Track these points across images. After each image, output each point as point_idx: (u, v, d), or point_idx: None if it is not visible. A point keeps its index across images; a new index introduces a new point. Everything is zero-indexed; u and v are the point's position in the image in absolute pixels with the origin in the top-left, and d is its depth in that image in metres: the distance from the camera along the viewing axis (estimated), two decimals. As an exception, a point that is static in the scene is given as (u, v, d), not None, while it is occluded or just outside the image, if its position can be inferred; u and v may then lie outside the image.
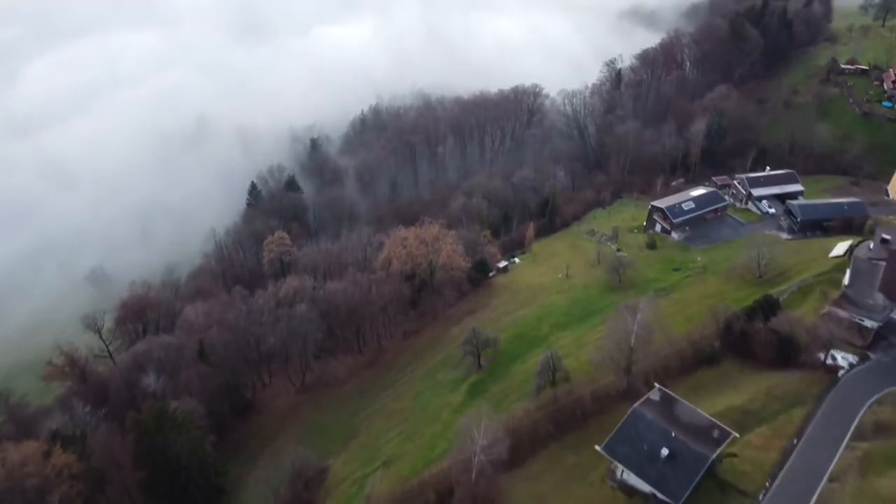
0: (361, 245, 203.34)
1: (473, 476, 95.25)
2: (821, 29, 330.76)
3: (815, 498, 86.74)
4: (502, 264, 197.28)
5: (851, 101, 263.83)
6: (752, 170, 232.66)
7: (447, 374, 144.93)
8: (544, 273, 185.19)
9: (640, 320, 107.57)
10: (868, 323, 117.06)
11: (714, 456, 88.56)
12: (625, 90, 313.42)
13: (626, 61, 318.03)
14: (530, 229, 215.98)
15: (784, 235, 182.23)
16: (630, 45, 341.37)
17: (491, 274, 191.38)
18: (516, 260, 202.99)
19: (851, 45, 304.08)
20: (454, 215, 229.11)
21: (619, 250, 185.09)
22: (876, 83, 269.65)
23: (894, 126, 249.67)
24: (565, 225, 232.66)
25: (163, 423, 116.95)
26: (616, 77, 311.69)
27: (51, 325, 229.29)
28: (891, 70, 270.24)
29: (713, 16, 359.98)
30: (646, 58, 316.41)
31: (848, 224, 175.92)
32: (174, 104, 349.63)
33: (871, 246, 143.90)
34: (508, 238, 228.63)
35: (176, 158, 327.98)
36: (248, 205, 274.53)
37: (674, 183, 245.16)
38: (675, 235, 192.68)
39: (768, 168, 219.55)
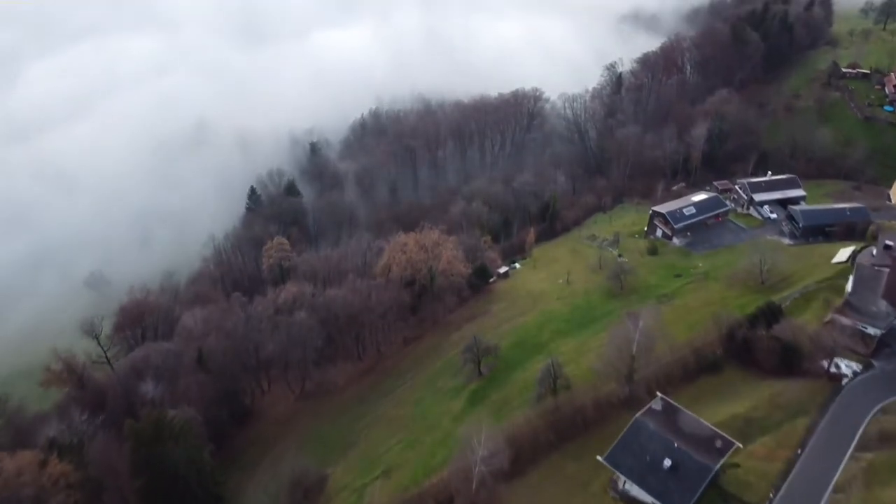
0: (361, 251, 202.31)
1: (474, 486, 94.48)
2: (822, 33, 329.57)
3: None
4: (503, 270, 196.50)
5: (853, 105, 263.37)
6: (754, 174, 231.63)
7: (447, 381, 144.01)
8: (545, 279, 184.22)
9: (641, 328, 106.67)
10: (871, 330, 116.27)
11: (717, 467, 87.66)
12: (625, 94, 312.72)
13: (626, 65, 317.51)
14: (531, 234, 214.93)
15: (786, 241, 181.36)
16: (631, 48, 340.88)
17: (491, 280, 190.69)
18: (517, 265, 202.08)
19: (852, 49, 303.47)
20: (454, 220, 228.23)
21: (620, 256, 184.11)
22: (877, 87, 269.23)
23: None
24: (566, 230, 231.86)
25: (160, 431, 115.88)
26: (617, 81, 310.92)
27: (49, 329, 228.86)
28: (892, 74, 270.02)
29: (714, 19, 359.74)
30: (646, 62, 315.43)
31: (850, 229, 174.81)
32: (174, 108, 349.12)
33: (874, 252, 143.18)
34: (509, 243, 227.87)
35: (175, 162, 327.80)
36: (248, 209, 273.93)
37: (675, 188, 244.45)
38: (676, 241, 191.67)
39: (770, 173, 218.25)
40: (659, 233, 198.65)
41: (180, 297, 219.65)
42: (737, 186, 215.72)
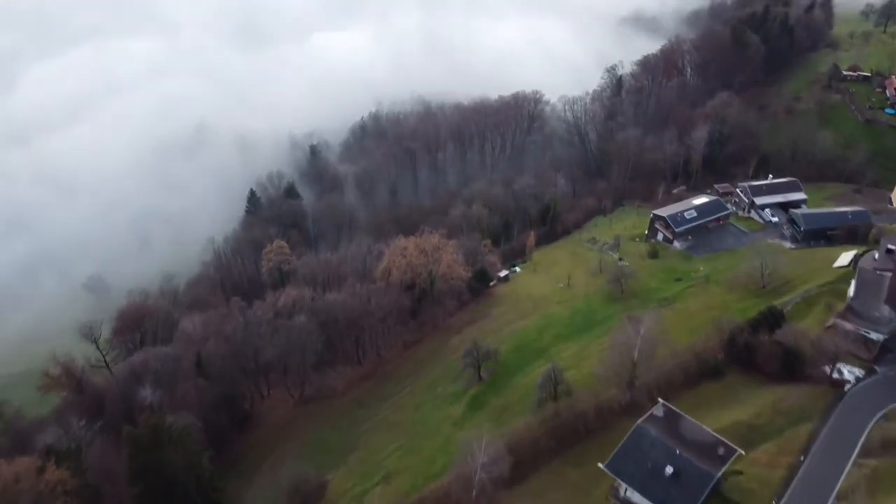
0: (361, 255, 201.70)
1: (474, 494, 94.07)
2: (822, 35, 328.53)
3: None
4: (503, 273, 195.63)
5: (854, 108, 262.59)
6: (754, 177, 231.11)
7: (447, 386, 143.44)
8: (545, 282, 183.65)
9: (643, 333, 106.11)
10: (874, 335, 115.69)
11: (719, 474, 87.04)
12: (626, 97, 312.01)
13: (626, 68, 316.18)
14: (531, 237, 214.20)
15: (787, 244, 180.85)
16: (631, 51, 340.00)
17: (491, 283, 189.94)
18: (517, 269, 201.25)
19: (853, 52, 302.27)
20: (454, 223, 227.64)
21: (620, 259, 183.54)
22: (878, 90, 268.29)
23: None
24: (566, 233, 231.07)
25: (159, 438, 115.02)
26: (617, 83, 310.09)
27: (48, 334, 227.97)
28: (893, 77, 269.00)
29: (714, 22, 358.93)
30: (646, 64, 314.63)
31: (852, 233, 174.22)
32: (173, 110, 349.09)
33: (876, 256, 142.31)
34: (509, 246, 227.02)
35: (175, 165, 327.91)
36: (247, 212, 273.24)
37: (675, 190, 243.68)
38: (677, 244, 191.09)
39: (771, 176, 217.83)
40: (660, 236, 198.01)
41: (179, 300, 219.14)
42: (738, 190, 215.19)
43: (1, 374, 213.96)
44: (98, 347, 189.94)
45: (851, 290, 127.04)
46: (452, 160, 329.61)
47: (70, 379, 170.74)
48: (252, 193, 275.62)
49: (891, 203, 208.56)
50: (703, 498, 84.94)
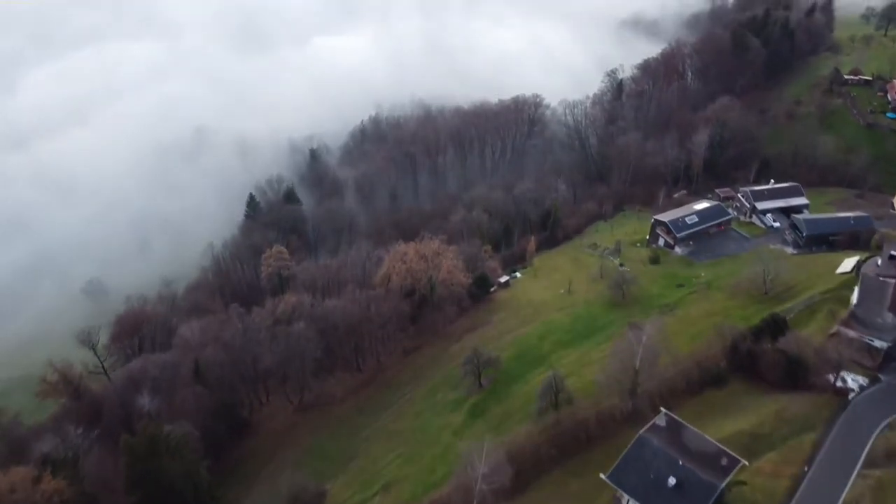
0: (361, 260, 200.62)
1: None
2: (823, 39, 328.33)
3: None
4: (503, 279, 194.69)
5: (855, 112, 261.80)
6: (755, 181, 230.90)
7: (447, 393, 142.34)
8: (546, 288, 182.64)
9: (644, 341, 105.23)
10: (878, 343, 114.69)
11: (723, 485, 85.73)
12: (626, 101, 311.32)
13: (627, 71, 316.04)
14: (531, 243, 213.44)
15: (789, 250, 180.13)
16: (631, 54, 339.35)
17: (492, 289, 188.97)
18: (517, 274, 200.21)
19: (854, 56, 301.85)
20: (454, 228, 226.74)
21: (621, 265, 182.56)
22: (879, 94, 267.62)
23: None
24: (567, 238, 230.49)
25: (156, 446, 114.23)
26: (617, 87, 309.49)
27: (47, 339, 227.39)
28: (894, 81, 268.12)
29: (714, 25, 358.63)
30: (647, 68, 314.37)
31: (854, 239, 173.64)
32: (173, 114, 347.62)
33: (879, 262, 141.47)
34: (509, 252, 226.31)
35: (174, 170, 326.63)
36: (247, 216, 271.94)
37: (676, 195, 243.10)
38: (678, 250, 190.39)
39: (772, 181, 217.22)
40: (661, 241, 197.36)
41: (178, 306, 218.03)
42: (739, 194, 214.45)
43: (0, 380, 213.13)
44: (96, 353, 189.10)
45: (854, 297, 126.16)
46: (452, 164, 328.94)
47: (68, 385, 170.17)
48: (251, 198, 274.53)
49: (893, 208, 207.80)
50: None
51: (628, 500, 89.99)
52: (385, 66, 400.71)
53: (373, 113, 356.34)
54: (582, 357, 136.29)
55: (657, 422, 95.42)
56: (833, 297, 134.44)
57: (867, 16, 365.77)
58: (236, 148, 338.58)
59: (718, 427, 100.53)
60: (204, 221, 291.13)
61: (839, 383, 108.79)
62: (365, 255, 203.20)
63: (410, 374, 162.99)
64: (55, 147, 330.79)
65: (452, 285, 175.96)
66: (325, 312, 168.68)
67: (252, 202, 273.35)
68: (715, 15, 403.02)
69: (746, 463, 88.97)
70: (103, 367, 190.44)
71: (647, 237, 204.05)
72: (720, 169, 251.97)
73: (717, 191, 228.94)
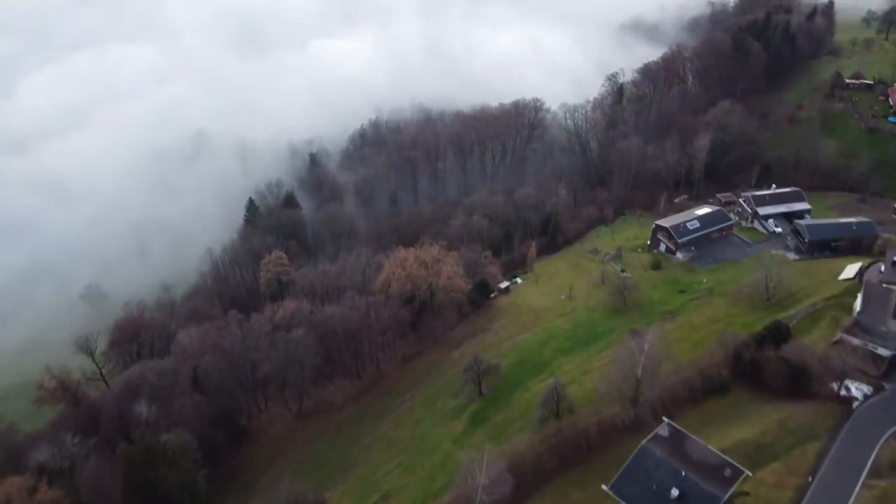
0: (360, 266, 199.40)
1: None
2: (824, 42, 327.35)
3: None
4: (504, 285, 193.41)
5: (856, 116, 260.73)
6: (757, 186, 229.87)
7: (447, 401, 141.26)
8: (547, 294, 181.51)
9: (646, 350, 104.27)
10: (882, 351, 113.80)
11: (726, 497, 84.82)
12: (627, 105, 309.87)
13: (627, 75, 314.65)
14: (532, 248, 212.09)
15: (791, 256, 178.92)
16: (631, 58, 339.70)
17: (492, 295, 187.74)
18: (518, 280, 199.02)
19: (855, 59, 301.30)
20: (455, 234, 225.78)
21: (623, 271, 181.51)
22: (881, 98, 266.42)
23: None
24: (567, 243, 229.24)
25: (154, 456, 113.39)
26: (618, 91, 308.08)
27: (45, 344, 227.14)
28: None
29: (715, 29, 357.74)
30: (647, 72, 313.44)
31: (857, 244, 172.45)
32: (172, 118, 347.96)
33: (882, 269, 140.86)
34: (510, 257, 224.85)
35: (173, 174, 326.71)
36: (246, 221, 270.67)
37: (677, 199, 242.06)
38: (679, 255, 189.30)
39: (774, 186, 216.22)
40: (662, 247, 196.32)
41: (177, 312, 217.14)
42: (741, 199, 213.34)
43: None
44: (94, 360, 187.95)
45: (858, 304, 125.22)
46: (452, 169, 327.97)
47: (65, 392, 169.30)
48: (251, 202, 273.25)
49: (895, 213, 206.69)
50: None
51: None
52: (385, 70, 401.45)
53: (373, 117, 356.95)
54: (583, 364, 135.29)
55: (659, 432, 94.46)
56: (836, 304, 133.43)
57: (868, 19, 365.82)
58: (236, 152, 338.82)
59: (721, 436, 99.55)
60: (203, 226, 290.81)
61: (843, 392, 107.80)
62: (364, 261, 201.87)
63: (410, 382, 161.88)
64: (54, 151, 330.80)
65: (453, 291, 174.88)
66: (324, 319, 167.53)
67: (251, 207, 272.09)
68: (715, 18, 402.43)
69: (750, 474, 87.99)
70: (101, 373, 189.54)
71: (649, 242, 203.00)
72: (721, 173, 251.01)
73: (718, 195, 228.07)
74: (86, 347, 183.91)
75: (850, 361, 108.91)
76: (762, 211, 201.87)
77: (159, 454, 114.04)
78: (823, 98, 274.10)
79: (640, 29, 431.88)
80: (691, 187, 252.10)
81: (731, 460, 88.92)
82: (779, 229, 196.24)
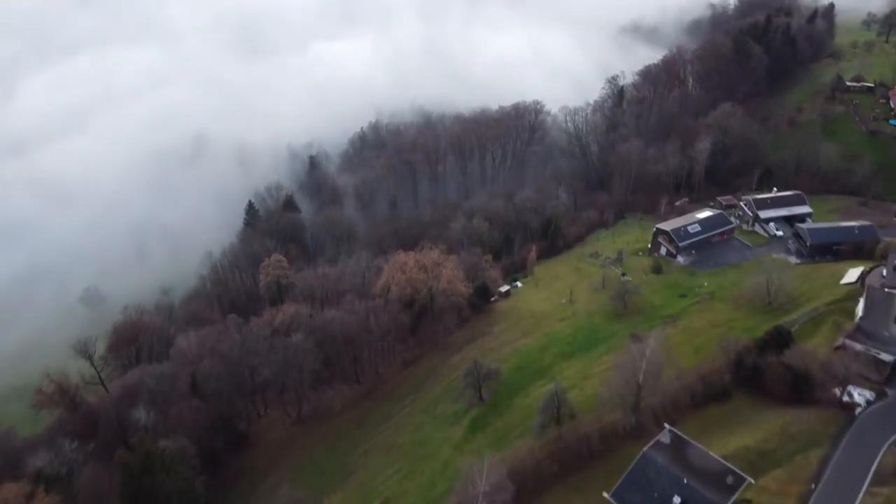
0: (360, 270, 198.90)
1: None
2: (824, 45, 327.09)
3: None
4: (504, 289, 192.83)
5: (857, 119, 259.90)
6: (758, 189, 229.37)
7: (447, 406, 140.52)
8: (547, 298, 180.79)
9: (648, 356, 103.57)
10: (885, 356, 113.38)
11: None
12: (627, 107, 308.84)
13: (627, 78, 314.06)
14: (532, 252, 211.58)
15: (793, 259, 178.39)
16: (632, 61, 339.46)
17: (492, 299, 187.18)
18: (518, 284, 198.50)
19: (855, 62, 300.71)
20: (455, 237, 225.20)
21: (623, 275, 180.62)
22: (882, 101, 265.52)
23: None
24: (568, 247, 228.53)
25: (151, 463, 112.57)
26: (618, 94, 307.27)
27: (44, 347, 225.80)
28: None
29: (715, 32, 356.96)
30: (648, 74, 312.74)
31: (858, 248, 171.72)
32: (172, 121, 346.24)
33: (884, 273, 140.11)
34: (510, 261, 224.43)
35: (173, 177, 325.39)
36: (246, 224, 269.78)
37: (678, 203, 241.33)
38: (680, 259, 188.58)
39: (775, 189, 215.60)
40: (663, 250, 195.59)
41: (176, 316, 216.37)
42: (742, 203, 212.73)
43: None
44: (93, 364, 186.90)
45: (860, 309, 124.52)
46: (452, 172, 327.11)
47: (63, 396, 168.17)
48: (250, 205, 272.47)
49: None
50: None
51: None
52: (385, 73, 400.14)
53: (372, 120, 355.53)
54: (584, 369, 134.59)
55: (661, 439, 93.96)
56: (838, 309, 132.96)
57: (868, 22, 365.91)
58: (235, 154, 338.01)
59: (723, 443, 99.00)
60: (202, 229, 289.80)
61: (846, 398, 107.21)
62: (364, 265, 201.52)
63: (410, 386, 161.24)
64: (53, 154, 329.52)
65: (452, 295, 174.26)
66: (323, 323, 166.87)
67: (251, 209, 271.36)
68: (715, 21, 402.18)
69: (752, 481, 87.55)
70: (100, 377, 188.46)
71: (649, 246, 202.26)
72: (722, 176, 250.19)
73: (719, 198, 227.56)
74: (84, 352, 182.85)
75: (852, 367, 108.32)
76: (763, 214, 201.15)
77: (157, 461, 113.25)
78: (824, 101, 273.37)
79: (641, 31, 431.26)
80: (692, 190, 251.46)
81: (733, 467, 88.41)
82: (780, 233, 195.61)
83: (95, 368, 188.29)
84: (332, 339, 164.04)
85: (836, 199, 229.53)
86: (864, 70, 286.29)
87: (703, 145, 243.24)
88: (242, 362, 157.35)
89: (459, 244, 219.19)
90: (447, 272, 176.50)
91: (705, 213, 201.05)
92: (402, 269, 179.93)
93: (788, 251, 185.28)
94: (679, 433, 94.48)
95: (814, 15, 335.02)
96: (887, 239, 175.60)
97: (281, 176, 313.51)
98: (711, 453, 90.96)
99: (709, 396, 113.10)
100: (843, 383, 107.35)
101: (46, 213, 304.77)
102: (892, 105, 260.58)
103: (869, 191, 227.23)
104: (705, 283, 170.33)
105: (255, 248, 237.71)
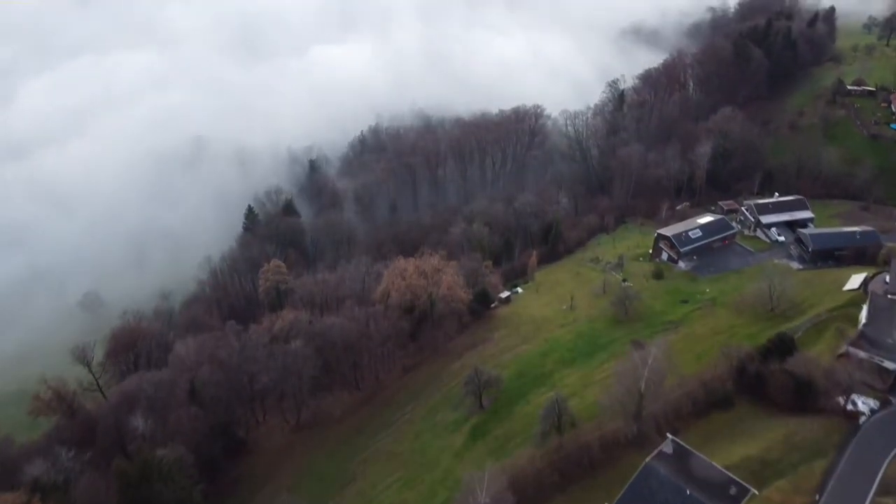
0: (360, 276, 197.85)
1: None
2: (825, 49, 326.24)
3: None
4: (504, 294, 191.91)
5: (858, 123, 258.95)
6: (759, 193, 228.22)
7: (447, 413, 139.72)
8: (548, 304, 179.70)
9: (650, 364, 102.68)
10: (889, 364, 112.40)
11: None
12: (627, 111, 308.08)
13: (628, 81, 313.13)
14: (533, 257, 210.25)
15: (795, 265, 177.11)
16: (632, 64, 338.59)
17: (493, 305, 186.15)
18: (519, 290, 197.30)
19: (856, 66, 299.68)
20: (455, 242, 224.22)
21: (624, 280, 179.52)
22: (883, 105, 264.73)
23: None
24: (568, 252, 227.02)
25: (149, 472, 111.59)
26: (619, 98, 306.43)
27: (42, 352, 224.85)
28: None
29: (715, 35, 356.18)
30: (648, 78, 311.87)
31: (861, 254, 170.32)
32: (171, 125, 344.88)
33: (888, 279, 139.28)
34: (510, 266, 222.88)
35: (172, 180, 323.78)
36: (245, 229, 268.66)
37: (679, 207, 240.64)
38: (682, 265, 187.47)
39: (777, 194, 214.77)
40: (664, 256, 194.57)
41: (174, 321, 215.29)
42: (743, 208, 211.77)
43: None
44: (91, 371, 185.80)
45: (863, 316, 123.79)
46: (453, 176, 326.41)
47: (61, 403, 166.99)
48: (250, 210, 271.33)
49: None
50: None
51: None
52: (385, 76, 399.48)
53: (372, 123, 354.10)
54: (585, 377, 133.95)
55: (664, 449, 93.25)
56: (841, 315, 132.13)
57: (869, 25, 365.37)
58: (235, 158, 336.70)
59: (726, 453, 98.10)
60: (202, 233, 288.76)
61: (849, 406, 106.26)
62: (364, 270, 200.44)
63: (410, 393, 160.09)
64: (52, 158, 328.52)
65: (453, 301, 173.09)
66: (323, 329, 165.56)
67: (250, 214, 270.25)
68: (716, 25, 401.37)
69: (756, 492, 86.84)
70: (98, 384, 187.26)
71: (650, 251, 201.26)
72: (723, 181, 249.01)
73: (720, 203, 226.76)
74: (82, 358, 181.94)
75: (856, 375, 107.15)
76: (765, 219, 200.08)
77: (155, 470, 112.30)
78: (825, 105, 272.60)
79: (641, 35, 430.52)
80: (693, 195, 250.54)
81: (736, 478, 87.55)
82: (782, 238, 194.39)
83: (93, 375, 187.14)
84: (331, 346, 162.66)
85: (837, 204, 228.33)
86: (865, 74, 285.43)
87: (704, 149, 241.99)
88: (241, 369, 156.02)
89: (459, 249, 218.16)
90: (447, 278, 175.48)
91: (706, 218, 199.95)
92: (401, 275, 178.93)
93: (790, 257, 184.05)
94: (682, 443, 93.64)
95: (814, 18, 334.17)
96: (890, 244, 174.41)
97: (280, 179, 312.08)
98: (714, 464, 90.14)
99: (711, 404, 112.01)
100: (847, 392, 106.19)
101: (46, 216, 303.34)
102: (893, 109, 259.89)
103: (870, 195, 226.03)
104: (707, 289, 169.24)
105: (255, 252, 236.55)
